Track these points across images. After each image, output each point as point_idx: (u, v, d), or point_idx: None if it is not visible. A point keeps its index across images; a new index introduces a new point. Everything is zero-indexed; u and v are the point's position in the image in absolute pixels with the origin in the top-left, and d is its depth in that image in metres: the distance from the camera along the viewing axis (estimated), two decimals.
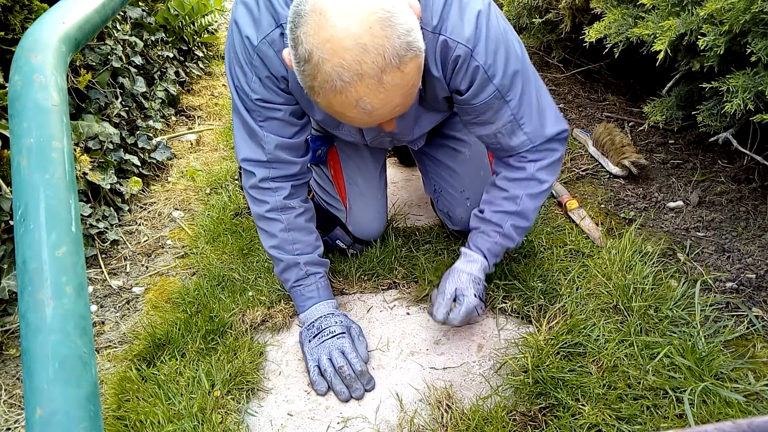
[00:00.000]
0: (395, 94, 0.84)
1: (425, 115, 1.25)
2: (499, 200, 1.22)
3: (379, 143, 1.35)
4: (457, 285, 1.22)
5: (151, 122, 2.17)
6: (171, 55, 2.57)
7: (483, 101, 1.07)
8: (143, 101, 2.17)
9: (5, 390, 1.22)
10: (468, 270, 1.23)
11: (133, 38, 2.13)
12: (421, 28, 0.94)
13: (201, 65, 2.99)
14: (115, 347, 1.32)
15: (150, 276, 1.56)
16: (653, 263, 1.36)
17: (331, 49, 0.78)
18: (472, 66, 1.01)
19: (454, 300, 1.21)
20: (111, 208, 1.73)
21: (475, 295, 1.20)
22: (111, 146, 1.78)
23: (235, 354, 1.22)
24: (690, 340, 1.14)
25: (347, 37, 0.77)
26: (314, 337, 1.23)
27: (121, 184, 1.79)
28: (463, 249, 1.28)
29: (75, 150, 1.63)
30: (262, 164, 1.19)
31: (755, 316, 1.25)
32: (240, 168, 1.31)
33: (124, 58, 2.01)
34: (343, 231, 1.47)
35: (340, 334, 1.22)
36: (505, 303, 1.32)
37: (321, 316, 1.26)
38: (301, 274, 1.28)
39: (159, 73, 2.41)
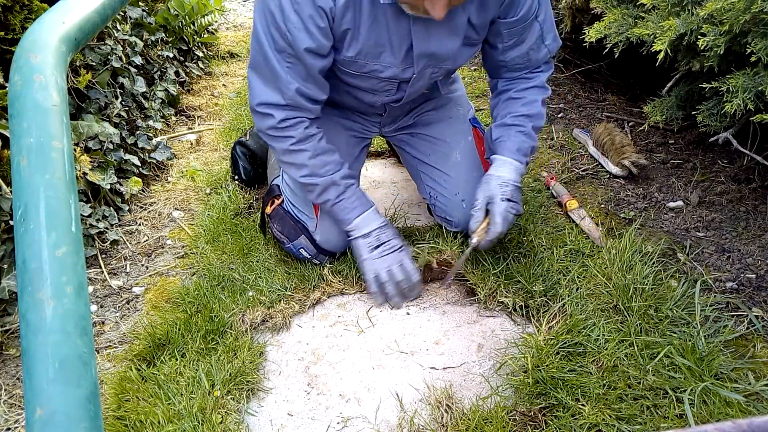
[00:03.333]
0: None
1: (462, 49, 1.28)
2: (518, 107, 1.34)
3: (421, 75, 1.29)
4: (486, 193, 1.31)
5: (151, 122, 2.17)
6: (171, 55, 2.57)
7: (528, 20, 1.22)
8: (143, 101, 2.17)
9: (5, 390, 1.22)
10: (497, 173, 1.32)
11: (133, 38, 2.13)
12: None
13: (201, 65, 2.99)
14: (115, 347, 1.32)
15: (150, 276, 1.56)
16: (653, 263, 1.36)
17: None
18: None
19: (487, 213, 1.30)
20: (111, 208, 1.73)
21: (503, 199, 1.28)
22: (111, 146, 1.78)
23: (235, 354, 1.22)
24: (690, 340, 1.14)
25: None
26: (375, 248, 1.34)
27: (121, 184, 1.79)
28: (492, 157, 1.36)
29: (75, 150, 1.63)
30: (280, 107, 1.23)
31: (755, 316, 1.25)
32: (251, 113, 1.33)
33: (124, 58, 2.01)
34: (308, 240, 1.42)
35: (400, 247, 1.36)
36: (507, 298, 1.32)
37: (378, 228, 1.36)
38: (340, 190, 1.34)
39: (159, 73, 2.41)
